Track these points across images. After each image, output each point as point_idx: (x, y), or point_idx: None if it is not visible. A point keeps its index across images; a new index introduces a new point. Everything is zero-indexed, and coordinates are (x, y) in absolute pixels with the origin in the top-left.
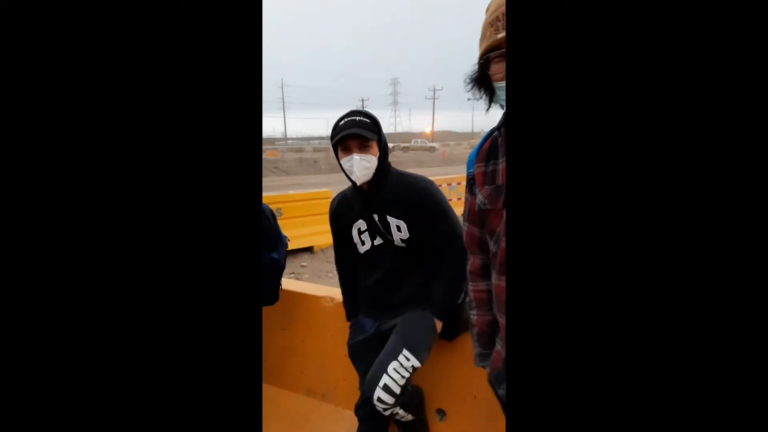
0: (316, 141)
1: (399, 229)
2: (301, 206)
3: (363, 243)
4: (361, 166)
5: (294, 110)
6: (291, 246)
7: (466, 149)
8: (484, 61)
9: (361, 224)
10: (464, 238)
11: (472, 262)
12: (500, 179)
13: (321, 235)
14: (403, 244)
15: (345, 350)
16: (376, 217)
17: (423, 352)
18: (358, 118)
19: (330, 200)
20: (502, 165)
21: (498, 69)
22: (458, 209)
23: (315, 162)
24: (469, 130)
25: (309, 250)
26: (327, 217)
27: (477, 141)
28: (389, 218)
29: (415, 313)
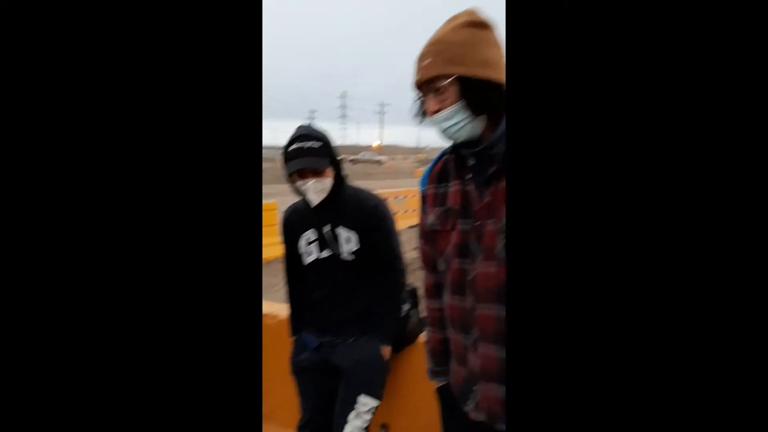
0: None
1: (349, 240)
2: None
3: (309, 254)
4: (316, 190)
5: None
6: None
7: (413, 164)
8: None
9: (310, 234)
10: (420, 257)
11: (426, 279)
12: (450, 201)
13: (267, 248)
14: (352, 257)
15: (288, 369)
16: (327, 227)
17: (378, 388)
18: (307, 144)
19: (275, 212)
20: (452, 188)
21: (428, 103)
22: (406, 221)
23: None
24: (416, 145)
25: None
26: (273, 229)
27: (423, 156)
28: (340, 229)
29: (362, 347)
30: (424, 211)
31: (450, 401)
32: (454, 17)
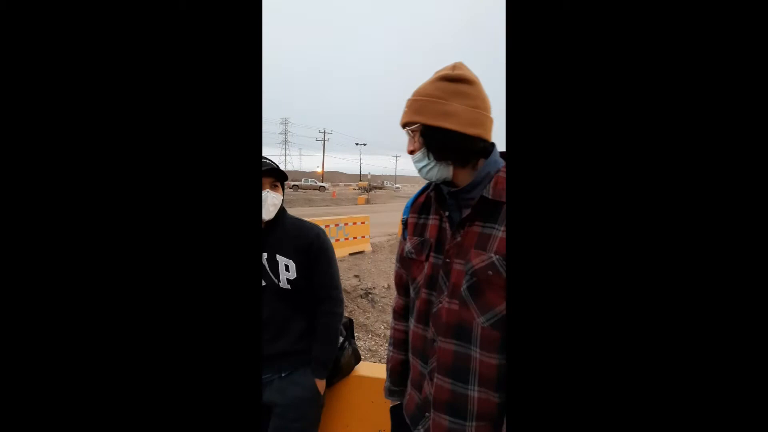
0: None
1: (287, 268)
2: None
3: None
4: (272, 202)
5: None
6: None
7: (355, 190)
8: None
9: None
10: (394, 278)
11: (397, 301)
12: (427, 233)
13: None
14: (288, 286)
15: None
16: (265, 256)
17: (313, 424)
18: (268, 160)
19: None
20: (431, 221)
21: (408, 144)
22: (347, 248)
23: None
24: (358, 172)
25: None
26: None
27: (365, 183)
28: (279, 257)
29: (296, 382)
30: (404, 237)
31: (401, 422)
32: (439, 70)
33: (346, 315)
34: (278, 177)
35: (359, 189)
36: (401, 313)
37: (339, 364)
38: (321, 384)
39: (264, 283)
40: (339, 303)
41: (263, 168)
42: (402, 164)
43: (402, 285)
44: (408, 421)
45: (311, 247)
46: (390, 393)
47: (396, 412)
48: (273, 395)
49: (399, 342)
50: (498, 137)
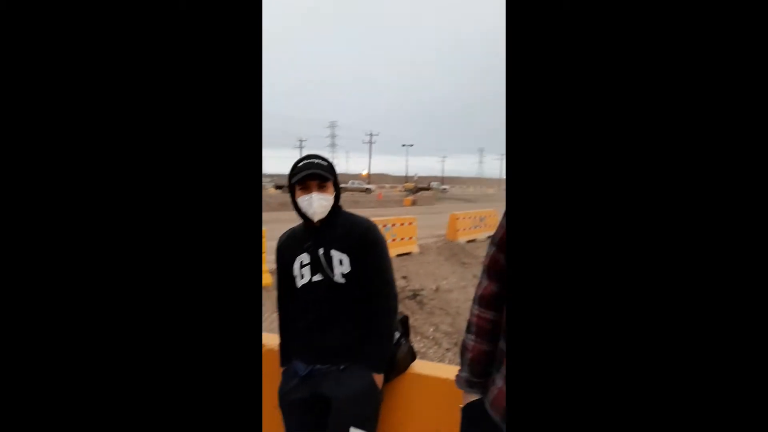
0: None
1: (341, 262)
2: None
3: (302, 276)
4: (320, 204)
5: None
6: None
7: (401, 192)
8: None
9: (304, 257)
10: (486, 262)
11: (486, 286)
12: None
13: None
14: (343, 280)
15: (274, 401)
16: (321, 251)
17: (371, 419)
18: (316, 161)
19: (262, 240)
20: None
21: None
22: (394, 249)
23: None
24: (404, 174)
25: None
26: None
27: (412, 185)
28: (333, 252)
29: (353, 377)
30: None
31: (476, 422)
32: None
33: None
34: (322, 178)
35: (405, 190)
36: (489, 300)
37: (395, 361)
38: (379, 378)
39: (320, 278)
40: (392, 298)
41: (305, 173)
42: (449, 165)
43: (497, 270)
44: (497, 416)
45: (362, 240)
46: (469, 385)
47: (471, 411)
48: (329, 389)
49: (484, 331)
50: (498, 137)
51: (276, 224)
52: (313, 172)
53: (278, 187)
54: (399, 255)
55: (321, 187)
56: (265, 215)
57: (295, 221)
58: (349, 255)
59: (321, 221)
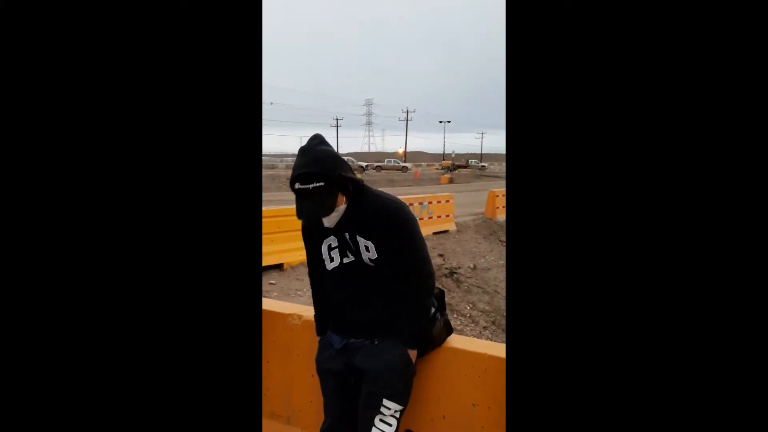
0: (289, 158)
1: (367, 249)
2: (270, 223)
3: (332, 260)
4: (330, 222)
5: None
6: None
7: (438, 170)
8: None
9: (332, 241)
10: None
11: None
12: None
13: (291, 253)
14: (372, 264)
15: (312, 371)
16: (347, 235)
17: (403, 393)
18: (312, 186)
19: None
20: None
21: None
22: (430, 227)
23: (287, 179)
24: (441, 152)
25: (278, 267)
26: (298, 234)
27: (449, 162)
28: (359, 238)
29: (387, 350)
30: None
31: None
32: None
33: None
34: (329, 205)
35: (442, 168)
36: None
37: (431, 335)
38: (413, 353)
39: (351, 259)
40: (427, 276)
41: (302, 211)
42: (488, 142)
43: None
44: None
45: (389, 223)
46: None
47: None
48: (363, 361)
49: None
50: (498, 137)
51: None
52: (304, 198)
53: None
54: (436, 233)
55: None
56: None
57: None
58: (374, 242)
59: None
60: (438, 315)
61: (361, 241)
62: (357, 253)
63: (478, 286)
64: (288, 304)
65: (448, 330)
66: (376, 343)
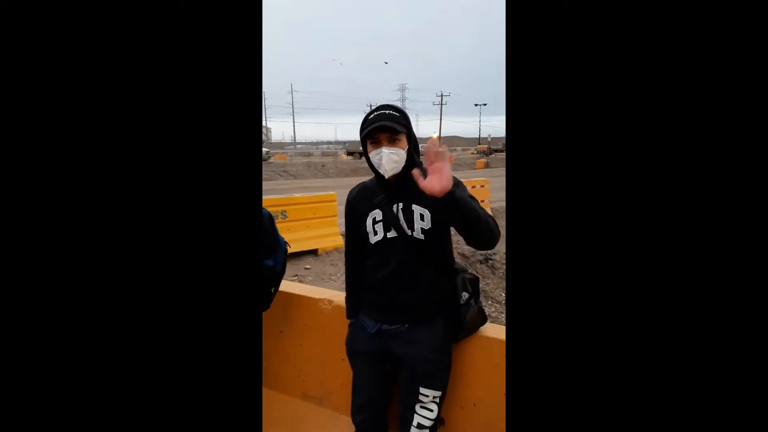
0: (324, 146)
1: (422, 218)
2: (306, 209)
3: (375, 233)
4: (390, 159)
5: (303, 115)
6: (295, 248)
7: (473, 154)
8: None
9: (377, 214)
10: None
11: None
12: None
13: (325, 238)
14: (422, 237)
15: (343, 354)
16: (399, 206)
17: (442, 379)
18: (387, 111)
19: (335, 203)
20: None
21: None
22: None
23: (323, 166)
24: (476, 136)
25: (313, 252)
26: (332, 220)
27: (485, 147)
28: (414, 206)
29: (423, 335)
30: None
31: None
32: None
33: (472, 272)
34: (394, 131)
35: (478, 153)
36: None
37: (464, 321)
38: (448, 339)
39: (394, 234)
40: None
41: (374, 125)
42: None
43: None
44: None
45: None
46: None
47: None
48: (399, 347)
49: None
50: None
51: (346, 190)
52: (382, 125)
53: (350, 153)
54: None
55: (392, 141)
56: (337, 181)
57: (348, 188)
58: (431, 210)
59: (396, 175)
60: (472, 301)
61: (417, 210)
62: (401, 228)
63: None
64: (319, 288)
65: (483, 318)
66: (407, 326)
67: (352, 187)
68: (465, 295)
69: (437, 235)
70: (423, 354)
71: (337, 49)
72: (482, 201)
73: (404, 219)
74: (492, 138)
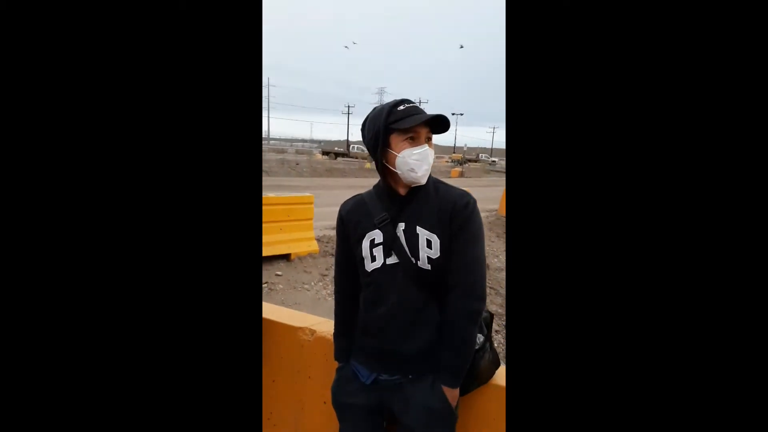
0: (299, 143)
1: (429, 244)
2: (279, 210)
3: (373, 259)
4: (429, 161)
5: (278, 111)
6: (267, 252)
7: (448, 163)
8: None
9: (377, 235)
10: None
11: None
12: None
13: (300, 243)
14: (429, 267)
15: (325, 397)
16: (401, 226)
17: None
18: (420, 106)
19: (312, 206)
20: None
21: None
22: None
23: (297, 164)
24: (451, 144)
25: (286, 257)
26: (307, 223)
27: (459, 156)
28: (419, 230)
29: (426, 392)
30: None
31: None
32: None
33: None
34: (438, 128)
35: (453, 161)
36: None
37: (476, 371)
38: (452, 394)
39: (395, 261)
40: (476, 299)
41: (422, 117)
42: (499, 137)
43: None
44: None
45: (454, 217)
46: None
47: None
48: (398, 405)
49: None
50: (498, 136)
51: (323, 190)
52: (434, 117)
53: (325, 153)
54: None
55: (428, 140)
56: (312, 181)
57: (342, 187)
58: (440, 237)
59: (409, 189)
60: (487, 346)
61: (422, 234)
62: (413, 251)
63: (490, 287)
64: (298, 313)
65: (496, 363)
66: (411, 377)
67: (330, 197)
68: (480, 339)
69: (446, 266)
70: (425, 415)
71: (317, 47)
72: None
73: (407, 244)
74: (468, 148)
